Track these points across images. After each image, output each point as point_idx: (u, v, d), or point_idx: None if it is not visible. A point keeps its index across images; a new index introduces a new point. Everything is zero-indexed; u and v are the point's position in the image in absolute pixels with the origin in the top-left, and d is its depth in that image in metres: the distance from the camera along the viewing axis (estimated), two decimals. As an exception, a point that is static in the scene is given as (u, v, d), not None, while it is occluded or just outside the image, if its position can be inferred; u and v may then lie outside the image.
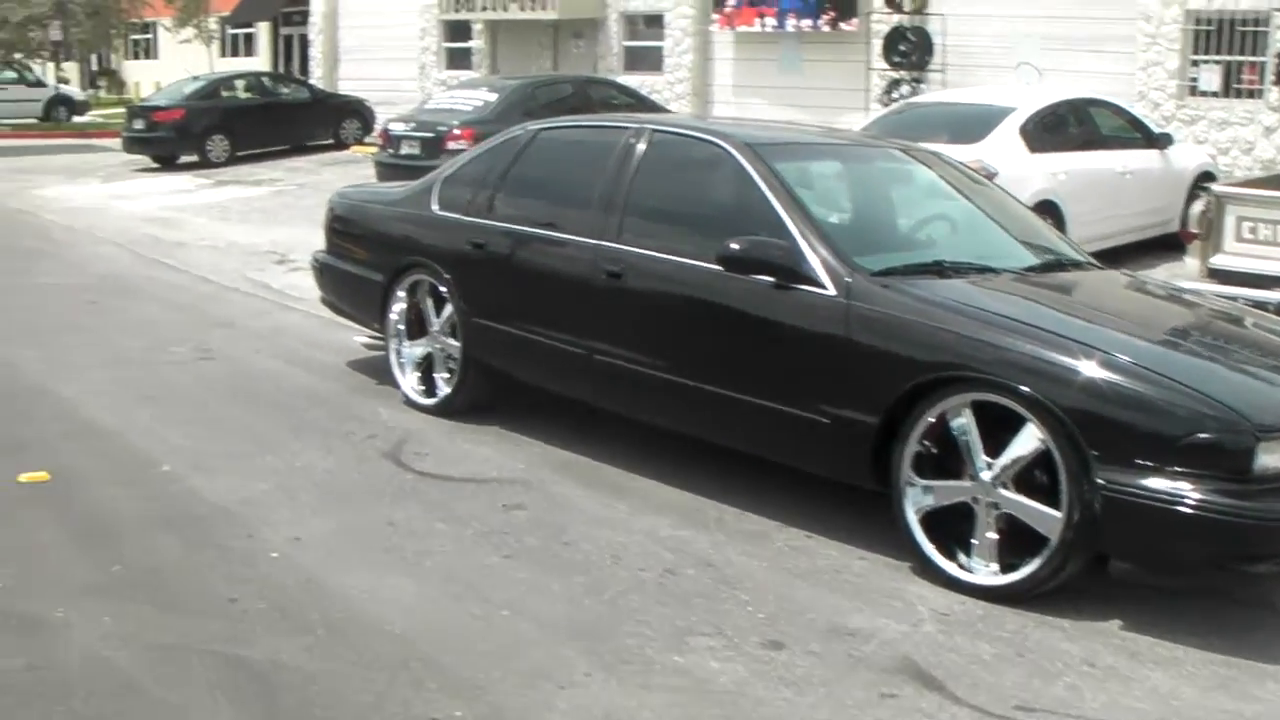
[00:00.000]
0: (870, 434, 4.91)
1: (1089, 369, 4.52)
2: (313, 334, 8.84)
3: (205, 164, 20.62)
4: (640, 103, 17.48)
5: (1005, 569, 4.64)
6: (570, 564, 4.87)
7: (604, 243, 5.95)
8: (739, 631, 4.32)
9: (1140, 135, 12.80)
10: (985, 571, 4.68)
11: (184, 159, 20.98)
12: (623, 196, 6.00)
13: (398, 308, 7.01)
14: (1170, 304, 5.70)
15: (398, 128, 15.63)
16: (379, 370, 7.53)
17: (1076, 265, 5.95)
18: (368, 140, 23.10)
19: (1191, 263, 9.16)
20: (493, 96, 15.67)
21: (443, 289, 6.73)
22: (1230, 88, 15.74)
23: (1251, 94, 15.62)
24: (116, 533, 5.03)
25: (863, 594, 4.70)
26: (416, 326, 7.00)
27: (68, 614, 4.23)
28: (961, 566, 4.73)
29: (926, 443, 4.82)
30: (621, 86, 18.30)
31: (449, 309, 6.72)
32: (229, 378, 7.55)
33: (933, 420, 4.78)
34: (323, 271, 7.71)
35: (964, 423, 4.70)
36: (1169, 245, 11.58)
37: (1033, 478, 4.61)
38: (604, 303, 5.93)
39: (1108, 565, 4.68)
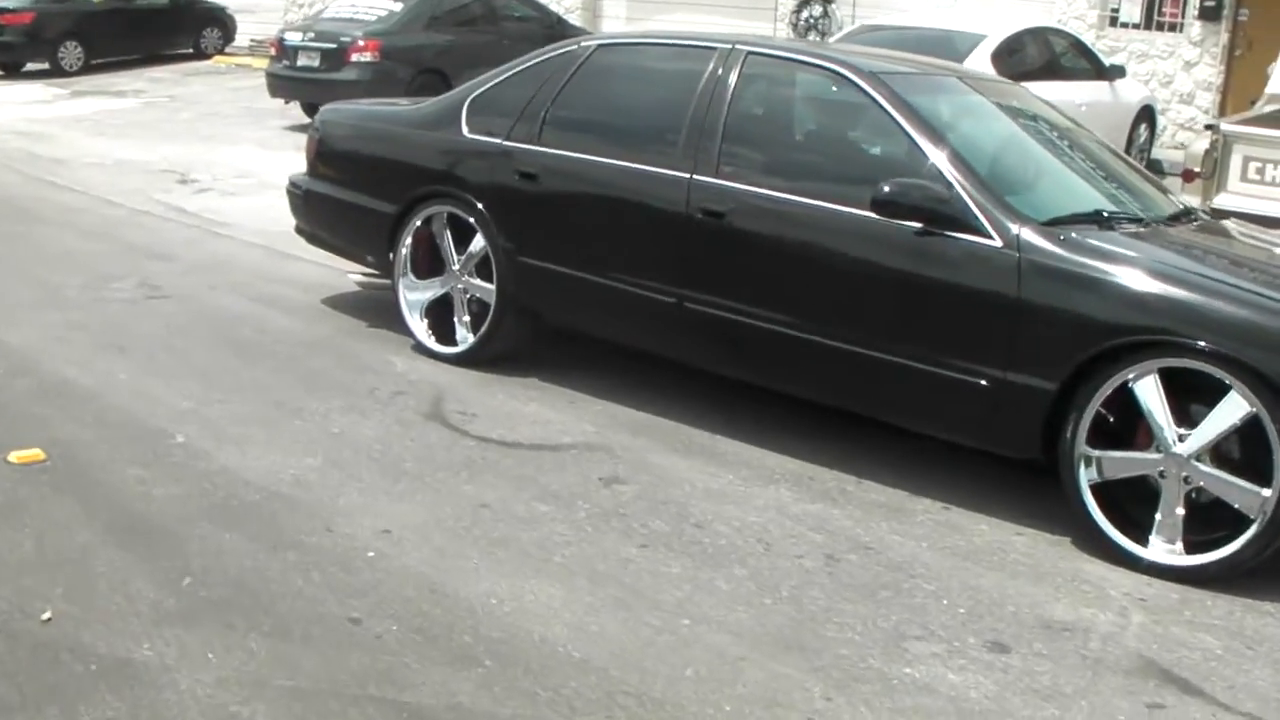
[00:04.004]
0: (1045, 402, 4.34)
1: None
2: (263, 266, 7.77)
3: (57, 72, 18.71)
4: (544, 16, 16.39)
5: (1191, 548, 4.16)
6: (719, 553, 4.12)
7: (700, 177, 5.13)
8: (950, 631, 3.72)
9: (1092, 66, 12.52)
10: (1166, 550, 4.19)
11: (32, 67, 19.05)
12: (720, 127, 5.16)
13: (409, 242, 6.05)
14: None
15: (293, 38, 14.26)
16: (365, 310, 6.60)
17: (1200, 215, 5.42)
18: (229, 50, 21.46)
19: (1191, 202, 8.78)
20: (396, 6, 14.45)
21: (472, 221, 5.80)
22: (1152, 20, 15.50)
23: (1172, 28, 15.40)
24: (163, 530, 4.02)
25: (1045, 578, 4.16)
26: (427, 264, 6.08)
27: (158, 650, 3.28)
28: (1142, 545, 4.23)
29: (1103, 410, 4.27)
30: (525, -1, 17.15)
31: (477, 245, 5.80)
32: (196, 320, 6.45)
33: (1116, 387, 4.23)
34: (308, 199, 6.59)
35: (1151, 390, 4.17)
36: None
37: (1227, 450, 4.15)
38: (702, 245, 5.11)
39: None
